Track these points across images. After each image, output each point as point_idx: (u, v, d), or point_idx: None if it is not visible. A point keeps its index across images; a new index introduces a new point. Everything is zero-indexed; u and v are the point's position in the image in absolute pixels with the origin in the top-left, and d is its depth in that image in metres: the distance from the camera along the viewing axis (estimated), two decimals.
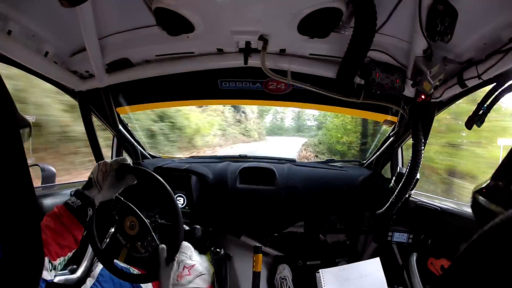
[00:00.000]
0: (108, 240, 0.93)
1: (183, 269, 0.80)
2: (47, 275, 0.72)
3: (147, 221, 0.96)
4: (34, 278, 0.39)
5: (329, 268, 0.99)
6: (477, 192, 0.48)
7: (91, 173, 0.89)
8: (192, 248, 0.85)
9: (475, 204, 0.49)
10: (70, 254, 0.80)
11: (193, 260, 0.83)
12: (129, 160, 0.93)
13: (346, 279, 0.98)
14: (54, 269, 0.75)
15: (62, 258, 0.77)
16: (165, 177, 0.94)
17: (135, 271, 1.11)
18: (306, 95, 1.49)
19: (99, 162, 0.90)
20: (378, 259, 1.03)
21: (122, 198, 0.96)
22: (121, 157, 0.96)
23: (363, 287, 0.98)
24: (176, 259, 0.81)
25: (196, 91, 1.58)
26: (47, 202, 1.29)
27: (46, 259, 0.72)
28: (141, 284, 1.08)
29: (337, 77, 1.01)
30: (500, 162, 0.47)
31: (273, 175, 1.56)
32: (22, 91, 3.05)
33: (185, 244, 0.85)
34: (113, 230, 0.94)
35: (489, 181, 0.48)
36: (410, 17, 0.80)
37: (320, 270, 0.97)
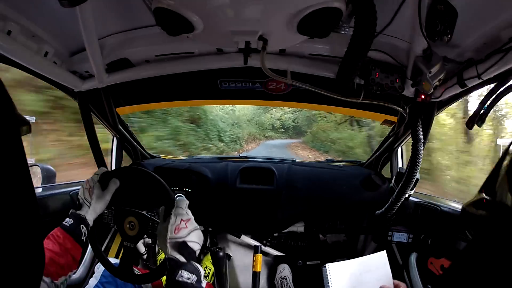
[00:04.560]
0: (107, 241, 0.94)
1: (180, 222, 0.78)
2: None
3: (144, 213, 0.96)
4: (35, 281, 0.39)
5: (335, 263, 0.99)
6: (468, 206, 0.51)
7: (79, 195, 0.93)
8: (187, 202, 0.85)
9: (464, 213, 0.51)
10: (71, 274, 0.83)
11: (189, 215, 0.82)
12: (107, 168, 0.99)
13: (353, 274, 0.99)
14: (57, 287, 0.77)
15: (63, 278, 0.79)
16: (165, 177, 0.94)
17: (136, 270, 1.11)
18: (306, 95, 1.49)
19: (83, 183, 0.94)
20: (384, 252, 1.03)
21: (112, 207, 0.99)
22: (99, 168, 1.00)
23: (369, 281, 0.98)
24: (172, 212, 0.79)
25: (196, 91, 1.58)
26: (47, 202, 1.29)
27: (49, 279, 0.75)
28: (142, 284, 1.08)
29: (337, 77, 1.01)
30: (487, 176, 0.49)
31: (273, 175, 1.56)
32: None
33: (181, 198, 0.85)
34: (112, 232, 0.95)
35: (479, 197, 0.50)
36: (410, 17, 0.80)
37: (326, 265, 0.97)
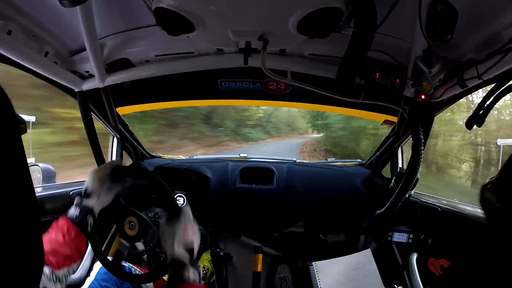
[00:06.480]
0: (107, 241, 0.93)
1: (190, 227, 0.84)
2: (51, 286, 0.72)
3: (145, 216, 0.96)
4: (34, 280, 0.39)
5: (322, 261, 0.99)
6: (484, 186, 0.49)
7: (87, 183, 0.90)
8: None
9: (482, 199, 0.50)
10: (74, 266, 0.81)
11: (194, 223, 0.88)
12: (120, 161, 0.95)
13: (339, 272, 0.99)
14: (59, 281, 0.75)
15: (65, 269, 0.77)
16: (165, 177, 0.94)
17: (137, 270, 1.11)
18: (306, 95, 1.49)
19: (92, 171, 0.91)
20: (369, 250, 1.04)
21: (120, 199, 0.97)
22: (112, 160, 0.97)
23: (356, 279, 0.99)
24: (183, 217, 0.85)
25: (196, 91, 1.58)
26: (47, 202, 1.29)
27: (49, 269, 0.73)
28: (142, 284, 1.08)
29: (337, 77, 1.01)
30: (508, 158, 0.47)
31: (273, 175, 1.56)
32: None
33: (187, 206, 0.89)
34: (112, 231, 0.94)
35: (496, 176, 0.48)
36: (410, 17, 0.80)
37: (313, 263, 0.98)
